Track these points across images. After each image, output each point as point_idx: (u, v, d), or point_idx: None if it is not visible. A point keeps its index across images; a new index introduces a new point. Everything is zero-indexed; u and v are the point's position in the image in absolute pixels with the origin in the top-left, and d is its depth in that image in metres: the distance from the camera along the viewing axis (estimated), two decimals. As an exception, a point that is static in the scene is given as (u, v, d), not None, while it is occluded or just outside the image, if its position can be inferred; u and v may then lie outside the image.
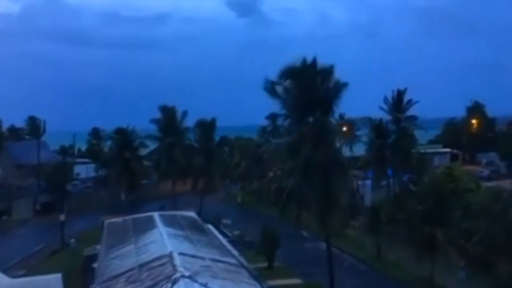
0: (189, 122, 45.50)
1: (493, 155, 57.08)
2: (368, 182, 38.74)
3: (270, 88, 21.77)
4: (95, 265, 18.51)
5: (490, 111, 65.18)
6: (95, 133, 70.10)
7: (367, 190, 39.95)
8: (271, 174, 48.55)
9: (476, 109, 64.76)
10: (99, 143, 67.90)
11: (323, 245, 22.79)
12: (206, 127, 44.83)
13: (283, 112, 22.88)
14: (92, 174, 59.73)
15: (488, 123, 63.49)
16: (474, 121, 63.56)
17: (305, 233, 35.38)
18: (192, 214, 28.48)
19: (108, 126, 58.14)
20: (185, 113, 45.14)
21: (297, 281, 25.26)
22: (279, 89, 21.98)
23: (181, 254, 15.21)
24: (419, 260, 24.69)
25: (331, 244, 22.94)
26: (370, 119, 37.89)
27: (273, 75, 21.91)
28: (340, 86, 21.49)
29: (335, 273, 21.53)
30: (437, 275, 24.80)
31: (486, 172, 49.89)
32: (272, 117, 51.52)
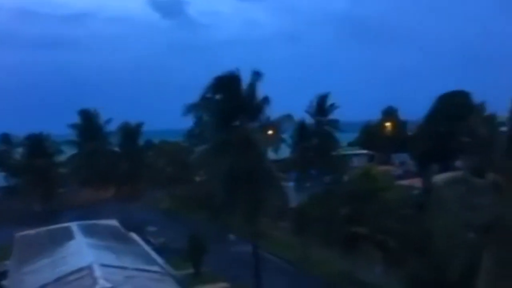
0: (112, 125, 43.81)
1: (405, 156, 61.41)
2: (292, 183, 39.80)
3: (190, 110, 21.81)
4: (4, 282, 17.08)
5: (402, 115, 70.21)
6: (5, 139, 64.66)
7: (292, 191, 41.02)
8: (198, 178, 48.10)
9: (390, 113, 69.35)
10: (9, 150, 62.72)
11: (250, 248, 23.03)
12: (131, 131, 43.40)
13: (208, 118, 22.93)
14: (1, 184, 54.95)
15: (400, 126, 68.28)
16: (388, 124, 68.03)
17: (232, 237, 35.49)
18: (114, 222, 27.30)
19: (22, 131, 53.89)
20: (108, 120, 43.45)
21: (224, 285, 25.26)
22: (202, 103, 22.02)
23: (102, 265, 14.53)
24: (342, 257, 25.89)
25: (259, 247, 23.25)
26: (292, 119, 38.91)
27: (199, 78, 21.92)
28: (265, 99, 22.02)
29: (262, 275, 21.84)
30: (358, 270, 26.15)
31: (399, 171, 53.55)
32: (199, 120, 51.07)
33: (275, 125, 27.18)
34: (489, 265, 12.12)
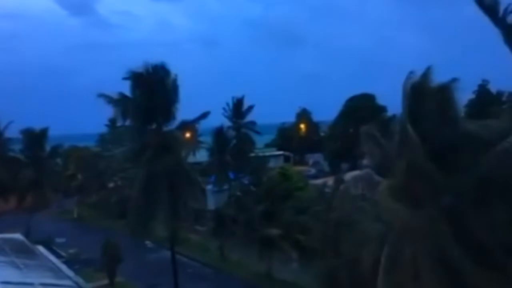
0: (16, 131, 40.34)
1: (318, 156, 64.31)
2: (210, 186, 39.79)
3: (107, 98, 20.84)
4: None
5: (316, 116, 73.50)
6: None
7: (210, 194, 40.99)
8: (111, 185, 46.03)
9: (303, 115, 72.22)
10: None
11: (168, 254, 22.57)
12: (35, 136, 40.22)
13: (124, 119, 22.08)
14: None
15: (314, 127, 71.41)
16: (302, 126, 70.75)
17: (149, 244, 34.49)
18: (17, 235, 25.20)
19: None
20: (8, 125, 39.99)
21: (142, 294, 24.48)
22: (117, 96, 21.16)
23: (3, 282, 13.37)
24: (259, 257, 26.39)
25: (177, 252, 22.88)
26: (215, 127, 38.93)
27: (110, 80, 21.04)
28: (177, 92, 21.72)
29: (180, 280, 21.50)
30: (275, 268, 26.84)
31: (313, 171, 55.92)
32: (112, 123, 49.06)
33: (193, 126, 26.95)
34: (387, 257, 13.14)
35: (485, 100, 45.47)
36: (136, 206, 21.03)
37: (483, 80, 49.73)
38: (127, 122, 22.87)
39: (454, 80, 13.34)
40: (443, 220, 11.70)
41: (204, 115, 23.68)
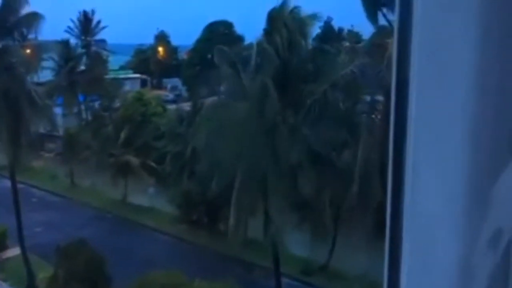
0: None
1: (176, 81, 63.21)
2: (58, 109, 36.35)
3: None
4: None
5: (174, 41, 71.02)
6: None
7: (58, 118, 37.62)
8: None
9: (162, 38, 69.17)
10: None
11: (8, 183, 20.44)
12: None
13: None
14: None
15: (172, 51, 69.23)
16: (160, 49, 67.96)
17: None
18: None
19: None
20: None
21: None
22: None
23: None
24: (113, 183, 25.76)
25: (19, 181, 20.87)
26: (60, 43, 34.75)
27: None
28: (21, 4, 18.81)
29: (23, 211, 19.86)
30: (130, 195, 26.60)
31: (171, 96, 55.04)
32: None
33: (35, 45, 23.94)
34: (240, 179, 14.17)
35: (328, 36, 49.61)
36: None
37: (328, 17, 53.63)
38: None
39: (313, 15, 15.09)
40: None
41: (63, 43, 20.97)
